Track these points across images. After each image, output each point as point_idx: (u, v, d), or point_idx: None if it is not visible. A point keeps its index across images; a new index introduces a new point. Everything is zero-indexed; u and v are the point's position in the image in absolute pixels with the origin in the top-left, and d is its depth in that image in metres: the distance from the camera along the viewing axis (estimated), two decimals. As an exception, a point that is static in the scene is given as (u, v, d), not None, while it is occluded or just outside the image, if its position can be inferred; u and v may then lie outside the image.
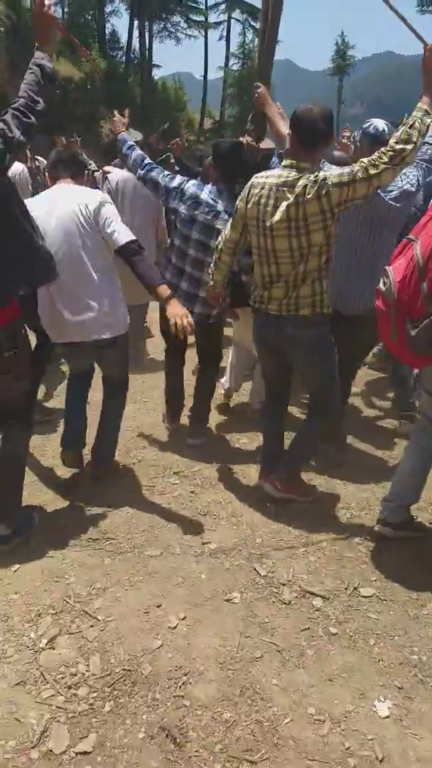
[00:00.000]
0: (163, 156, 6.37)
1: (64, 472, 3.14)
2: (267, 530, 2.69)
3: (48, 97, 2.17)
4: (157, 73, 34.61)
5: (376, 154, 2.37)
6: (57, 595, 2.26)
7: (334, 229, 2.48)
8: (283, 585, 2.33)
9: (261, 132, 3.35)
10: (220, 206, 3.04)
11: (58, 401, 3.94)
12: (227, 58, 35.88)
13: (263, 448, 3.11)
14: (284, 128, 2.99)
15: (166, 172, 3.22)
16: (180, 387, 3.70)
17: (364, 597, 2.27)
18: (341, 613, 2.20)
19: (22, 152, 2.91)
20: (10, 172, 2.29)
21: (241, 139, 3.33)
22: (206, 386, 3.57)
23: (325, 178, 2.36)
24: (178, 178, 3.17)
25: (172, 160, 6.19)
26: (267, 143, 3.38)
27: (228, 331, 4.09)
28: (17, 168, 4.18)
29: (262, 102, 3.15)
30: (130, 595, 2.27)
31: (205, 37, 35.41)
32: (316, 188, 2.36)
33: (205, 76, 35.97)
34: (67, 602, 2.22)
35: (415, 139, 2.34)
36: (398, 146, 2.33)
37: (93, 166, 6.03)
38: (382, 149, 2.37)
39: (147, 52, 31.61)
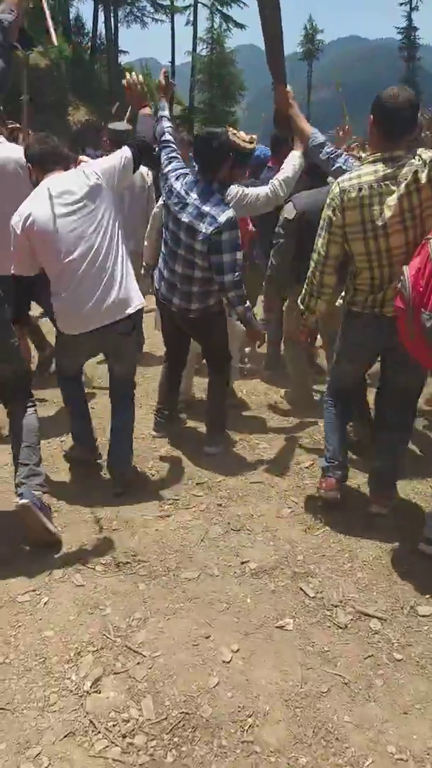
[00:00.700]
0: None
1: (81, 489, 2.95)
2: (307, 545, 2.55)
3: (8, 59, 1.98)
4: (123, 59, 33.86)
5: None
6: (95, 629, 2.09)
7: None
8: (336, 606, 2.20)
9: (286, 131, 3.26)
10: (206, 208, 2.90)
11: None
12: (194, 44, 35.23)
13: (375, 467, 2.81)
14: (307, 126, 2.92)
15: (173, 154, 3.14)
16: (173, 398, 3.60)
17: (423, 616, 2.16)
18: (402, 635, 2.07)
19: None
20: None
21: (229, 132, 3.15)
22: (217, 390, 3.41)
23: None
24: (172, 166, 3.08)
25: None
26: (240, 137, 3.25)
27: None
28: None
29: (284, 102, 2.99)
30: (174, 625, 2.11)
31: (172, 21, 34.74)
32: (427, 170, 2.25)
33: (172, 62, 35.31)
34: (107, 637, 2.05)
35: None
36: None
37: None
38: None
39: (113, 37, 30.84)
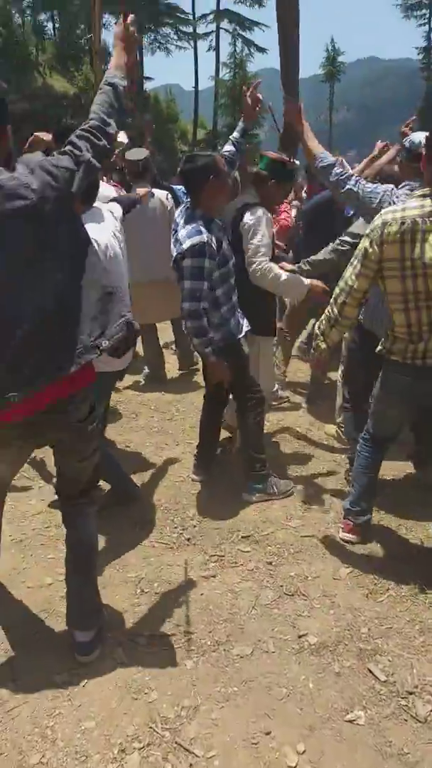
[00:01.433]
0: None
1: (110, 545, 2.73)
2: (371, 614, 2.29)
3: (119, 121, 1.83)
4: (148, 86, 34.39)
5: None
6: (140, 720, 1.86)
7: None
8: (411, 694, 1.93)
9: (290, 145, 3.12)
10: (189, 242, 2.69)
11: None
12: (217, 69, 35.64)
13: None
14: (316, 146, 2.76)
15: None
16: (214, 439, 3.43)
17: None
18: None
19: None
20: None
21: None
22: (251, 431, 3.13)
23: None
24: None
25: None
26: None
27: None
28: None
29: (294, 118, 2.83)
30: (228, 716, 1.87)
31: (195, 48, 35.27)
32: None
33: (195, 87, 35.76)
34: (154, 731, 1.82)
35: None
36: None
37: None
38: None
39: (138, 63, 31.45)
